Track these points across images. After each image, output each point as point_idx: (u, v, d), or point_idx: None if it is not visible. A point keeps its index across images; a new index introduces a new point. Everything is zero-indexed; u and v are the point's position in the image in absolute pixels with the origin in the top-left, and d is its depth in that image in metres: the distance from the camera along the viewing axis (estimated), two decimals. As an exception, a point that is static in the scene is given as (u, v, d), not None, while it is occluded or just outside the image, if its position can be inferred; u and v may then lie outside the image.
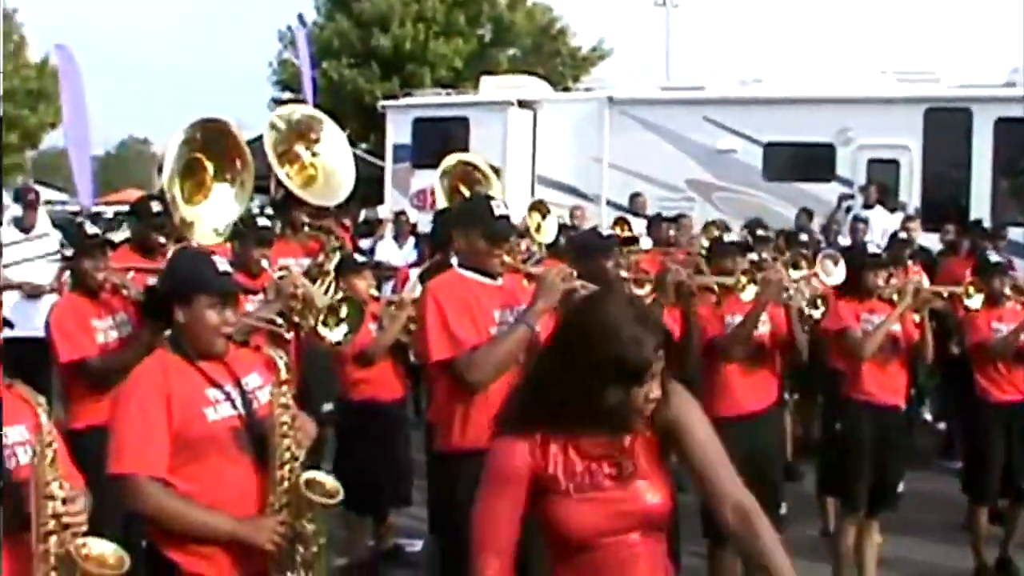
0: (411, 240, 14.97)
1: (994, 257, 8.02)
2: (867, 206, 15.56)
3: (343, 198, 7.95)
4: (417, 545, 8.15)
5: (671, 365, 3.12)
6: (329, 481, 4.12)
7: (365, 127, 30.36)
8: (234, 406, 4.05)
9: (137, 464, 3.84)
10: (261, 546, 3.91)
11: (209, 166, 6.85)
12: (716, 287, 6.80)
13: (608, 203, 17.56)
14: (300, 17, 34.71)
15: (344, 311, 6.33)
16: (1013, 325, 7.63)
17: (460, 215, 5.55)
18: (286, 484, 4.00)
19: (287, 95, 32.59)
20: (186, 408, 3.94)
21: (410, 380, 8.23)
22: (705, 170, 17.47)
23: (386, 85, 31.32)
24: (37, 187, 12.97)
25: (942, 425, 12.18)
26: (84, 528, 3.45)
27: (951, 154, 16.20)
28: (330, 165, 7.88)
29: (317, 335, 6.25)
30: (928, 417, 12.67)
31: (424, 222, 13.56)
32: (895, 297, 7.14)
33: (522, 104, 18.80)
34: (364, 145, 28.69)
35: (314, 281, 6.81)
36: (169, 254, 6.02)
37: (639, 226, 12.34)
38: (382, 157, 20.72)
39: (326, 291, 6.81)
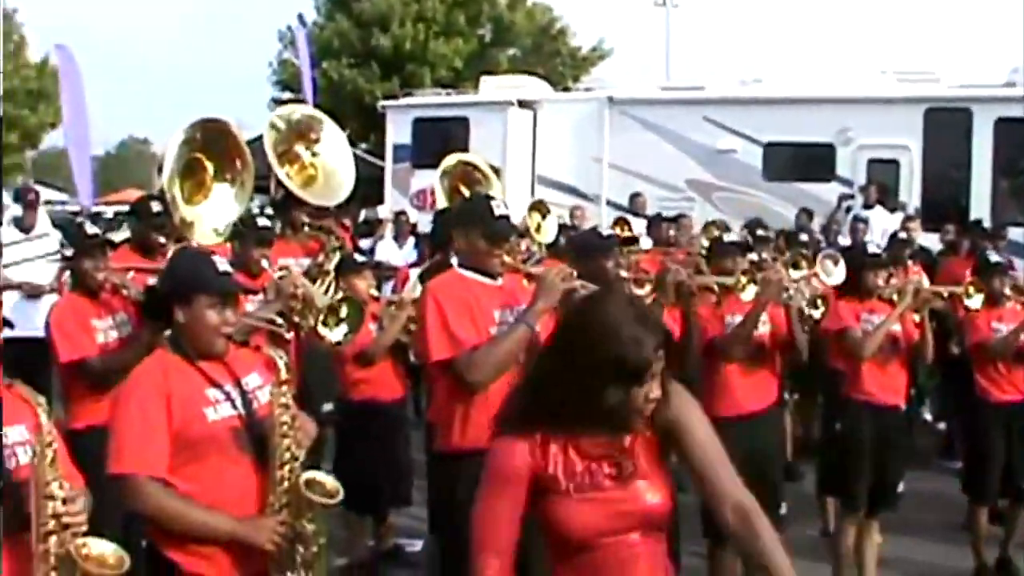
0: (411, 240, 14.96)
1: (994, 257, 8.02)
2: (867, 206, 15.56)
3: (343, 198, 7.94)
4: (417, 545, 8.15)
5: (671, 365, 3.12)
6: (329, 481, 4.12)
7: (365, 127, 30.36)
8: (234, 406, 4.05)
9: (137, 464, 3.83)
10: (261, 546, 3.91)
11: (209, 166, 6.84)
12: (716, 287, 6.80)
13: (608, 203, 17.55)
14: (300, 17, 34.76)
15: (344, 311, 6.33)
16: (1013, 325, 7.63)
17: (460, 215, 5.55)
18: (286, 484, 4.00)
19: (287, 95, 32.60)
20: (186, 408, 3.94)
21: (410, 380, 8.23)
22: (705, 170, 17.46)
23: (386, 85, 31.32)
24: (37, 187, 12.97)
25: (942, 425, 12.19)
26: (84, 528, 3.45)
27: (951, 154, 16.20)
28: (330, 165, 7.88)
29: (317, 335, 6.24)
30: (928, 417, 12.68)
31: (424, 222, 13.55)
32: (895, 297, 7.14)
33: (522, 104, 18.78)
34: (364, 145, 28.68)
35: (314, 281, 6.80)
36: (169, 254, 6.02)
37: (639, 226, 12.34)
38: (382, 157, 20.71)
39: (326, 291, 6.81)
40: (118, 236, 10.22)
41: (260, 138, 7.96)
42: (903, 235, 11.65)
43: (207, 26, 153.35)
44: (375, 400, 7.57)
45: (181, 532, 3.89)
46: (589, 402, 3.03)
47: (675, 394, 3.18)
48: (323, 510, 4.07)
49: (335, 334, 6.17)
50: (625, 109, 18.06)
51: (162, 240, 6.78)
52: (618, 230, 9.78)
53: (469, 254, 5.15)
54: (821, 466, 7.62)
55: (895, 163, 16.36)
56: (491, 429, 3.24)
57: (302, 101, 19.18)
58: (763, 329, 6.70)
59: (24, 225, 10.91)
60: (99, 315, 6.08)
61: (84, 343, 5.97)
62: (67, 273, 8.42)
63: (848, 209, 15.86)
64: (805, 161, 17.04)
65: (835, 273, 7.75)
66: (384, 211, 18.13)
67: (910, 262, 10.57)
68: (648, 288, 6.47)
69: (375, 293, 7.62)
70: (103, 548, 3.46)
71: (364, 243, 13.57)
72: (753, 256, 7.67)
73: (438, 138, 17.30)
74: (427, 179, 15.59)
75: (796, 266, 8.45)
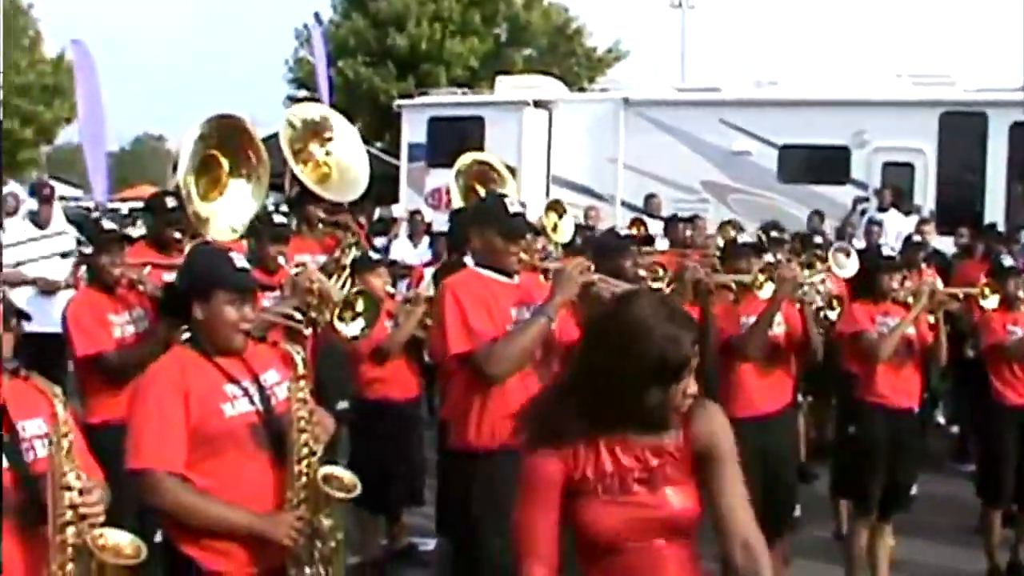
0: (426, 239, 14.93)
1: (1008, 261, 7.99)
2: (882, 209, 15.53)
3: (359, 194, 7.95)
4: (430, 544, 8.13)
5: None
6: (347, 476, 4.14)
7: (380, 126, 30.39)
8: (252, 402, 4.06)
9: (155, 459, 3.85)
10: (279, 541, 3.92)
11: (224, 162, 6.83)
12: (734, 285, 6.80)
13: (623, 204, 17.52)
14: (316, 15, 34.85)
15: (360, 305, 6.31)
16: (1028, 328, 7.63)
17: (475, 214, 5.58)
18: (304, 479, 4.01)
19: (303, 93, 32.66)
20: (204, 404, 3.95)
21: (424, 380, 8.24)
22: (720, 172, 17.42)
23: (402, 84, 31.31)
24: (52, 183, 12.99)
25: (955, 428, 12.16)
26: (101, 519, 3.46)
27: (966, 158, 16.15)
28: (344, 162, 7.89)
29: (334, 329, 6.24)
30: (941, 420, 12.64)
31: (439, 221, 13.56)
32: (910, 300, 7.14)
33: (537, 104, 18.75)
34: (379, 144, 28.65)
35: (330, 276, 6.82)
36: (186, 250, 6.03)
37: (655, 227, 12.33)
38: (397, 156, 20.70)
39: (342, 286, 6.82)
40: (134, 232, 10.24)
41: (274, 136, 7.98)
42: (917, 238, 11.59)
43: (223, 24, 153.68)
44: (389, 399, 7.58)
45: (199, 527, 3.90)
46: (627, 403, 3.06)
47: (713, 417, 3.21)
48: (339, 504, 4.08)
49: (351, 329, 6.15)
50: (640, 110, 18.02)
51: (178, 236, 6.79)
52: (634, 231, 9.79)
53: (486, 253, 5.17)
54: (834, 468, 7.60)
55: (910, 166, 16.31)
56: (513, 429, 3.26)
57: (318, 99, 19.18)
58: (778, 330, 6.70)
59: (39, 220, 10.94)
60: (116, 310, 6.11)
61: (101, 337, 5.99)
62: (83, 268, 8.43)
63: (863, 212, 15.84)
64: (820, 163, 16.98)
65: (847, 266, 7.72)
66: (399, 210, 18.12)
67: (924, 265, 10.55)
68: (664, 283, 6.49)
69: (391, 291, 7.63)
70: (119, 538, 3.47)
71: (379, 241, 13.54)
72: (768, 257, 7.66)
73: (453, 137, 17.25)
74: (442, 178, 15.55)
75: (811, 267, 8.44)
